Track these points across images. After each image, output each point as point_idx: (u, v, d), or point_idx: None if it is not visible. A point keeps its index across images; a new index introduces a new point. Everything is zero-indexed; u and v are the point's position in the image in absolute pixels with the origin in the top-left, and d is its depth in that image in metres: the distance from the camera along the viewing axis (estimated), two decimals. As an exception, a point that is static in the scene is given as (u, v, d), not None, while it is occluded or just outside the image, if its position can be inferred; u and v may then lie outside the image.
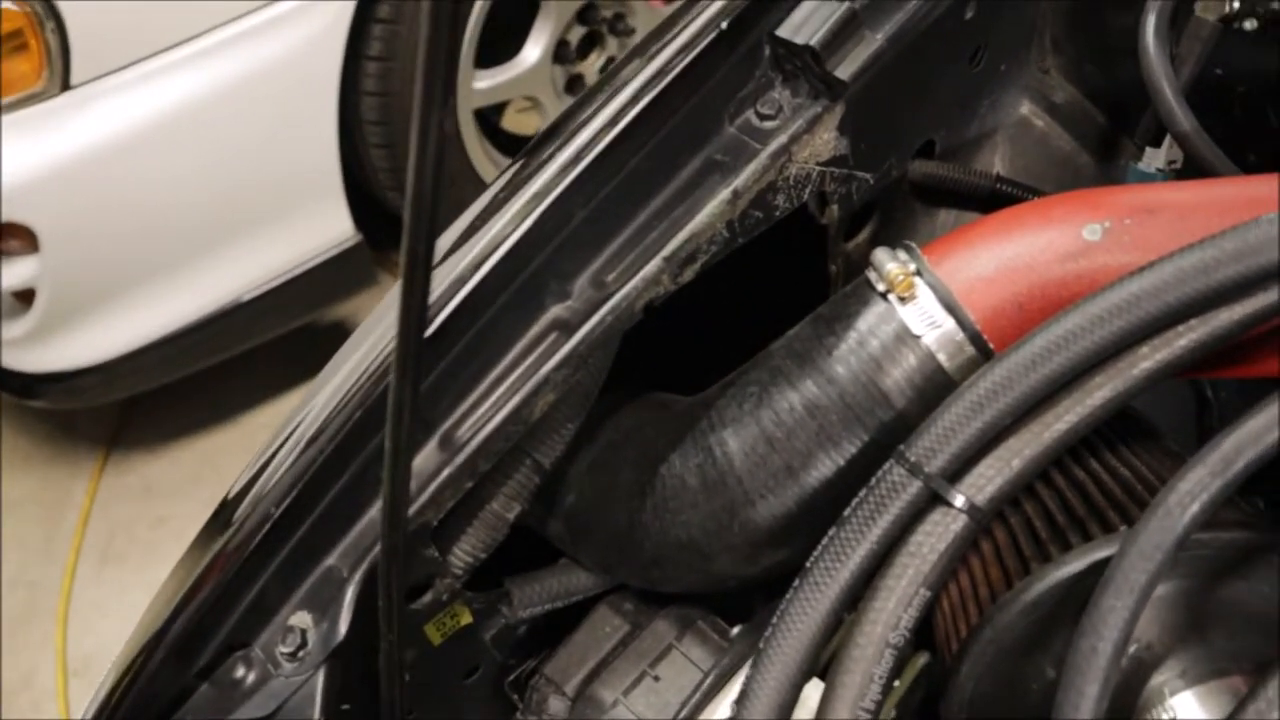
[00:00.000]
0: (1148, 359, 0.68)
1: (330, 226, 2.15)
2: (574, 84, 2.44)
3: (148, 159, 1.85)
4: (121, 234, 1.93)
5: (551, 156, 0.78)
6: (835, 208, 0.90)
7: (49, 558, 2.34)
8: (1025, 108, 1.03)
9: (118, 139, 1.80)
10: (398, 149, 2.17)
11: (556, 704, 0.87)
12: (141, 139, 1.82)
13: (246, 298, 2.11)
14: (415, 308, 0.49)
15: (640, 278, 0.76)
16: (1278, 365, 0.71)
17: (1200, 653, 0.68)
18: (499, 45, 2.29)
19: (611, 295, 0.76)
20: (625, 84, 0.80)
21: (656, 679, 0.84)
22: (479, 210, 0.81)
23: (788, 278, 1.00)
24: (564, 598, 0.92)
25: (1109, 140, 1.02)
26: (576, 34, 2.40)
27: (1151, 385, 0.69)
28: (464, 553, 0.81)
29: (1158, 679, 0.68)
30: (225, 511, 0.76)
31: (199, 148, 1.90)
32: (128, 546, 2.35)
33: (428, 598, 0.80)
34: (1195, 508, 0.62)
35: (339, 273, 2.18)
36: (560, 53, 2.39)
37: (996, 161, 1.02)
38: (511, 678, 0.95)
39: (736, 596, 0.91)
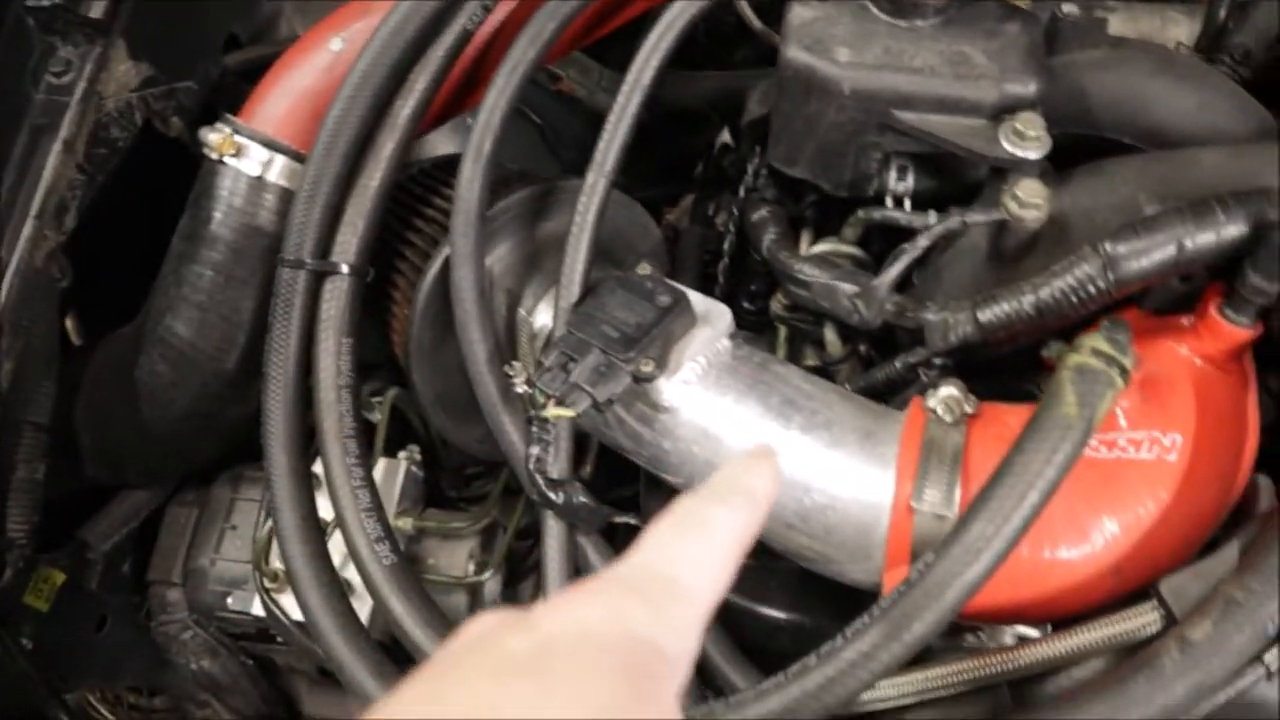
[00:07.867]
0: (405, 107, 0.92)
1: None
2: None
3: None
4: None
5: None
6: (175, 120, 1.07)
7: None
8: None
9: None
10: None
11: (173, 594, 1.03)
12: None
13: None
14: None
15: (24, 240, 0.90)
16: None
17: (539, 278, 0.95)
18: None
19: (7, 267, 0.90)
20: None
21: (234, 528, 1.02)
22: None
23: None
24: (135, 518, 1.07)
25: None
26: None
27: (419, 124, 0.93)
28: (16, 522, 0.93)
29: (523, 308, 0.95)
30: None
31: None
32: None
33: (8, 573, 0.93)
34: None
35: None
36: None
37: (282, 26, 1.23)
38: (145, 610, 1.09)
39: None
